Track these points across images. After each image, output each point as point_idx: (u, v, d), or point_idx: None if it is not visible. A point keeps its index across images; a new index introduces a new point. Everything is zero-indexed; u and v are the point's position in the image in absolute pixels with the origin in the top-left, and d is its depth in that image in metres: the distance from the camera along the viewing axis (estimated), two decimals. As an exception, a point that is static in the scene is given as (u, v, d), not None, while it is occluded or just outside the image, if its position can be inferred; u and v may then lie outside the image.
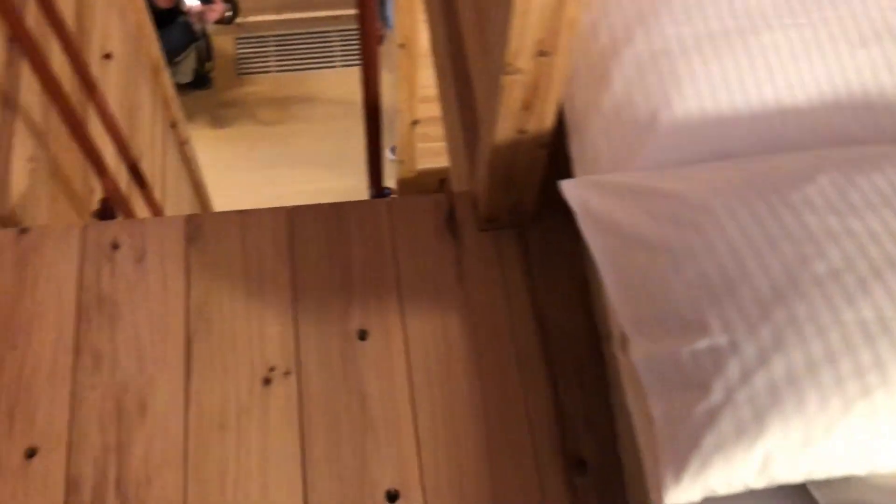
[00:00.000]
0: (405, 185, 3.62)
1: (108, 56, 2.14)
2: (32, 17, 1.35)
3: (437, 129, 3.36)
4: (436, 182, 3.63)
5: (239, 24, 4.57)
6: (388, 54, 4.42)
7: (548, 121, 1.15)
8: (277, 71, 4.54)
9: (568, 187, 1.11)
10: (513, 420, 1.23)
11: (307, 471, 1.19)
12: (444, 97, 1.71)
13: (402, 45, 2.87)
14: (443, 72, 1.67)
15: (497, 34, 1.08)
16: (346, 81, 4.52)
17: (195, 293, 1.29)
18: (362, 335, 1.27)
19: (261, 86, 4.49)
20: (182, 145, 3.16)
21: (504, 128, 1.14)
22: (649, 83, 1.13)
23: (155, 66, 2.80)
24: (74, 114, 1.47)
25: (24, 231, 1.32)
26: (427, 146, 3.39)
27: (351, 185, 4.16)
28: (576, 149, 1.21)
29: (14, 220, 1.39)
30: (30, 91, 1.54)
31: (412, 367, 1.25)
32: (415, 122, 3.28)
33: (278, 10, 4.52)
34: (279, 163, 4.23)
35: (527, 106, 1.11)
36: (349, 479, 1.19)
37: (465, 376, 1.25)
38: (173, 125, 3.05)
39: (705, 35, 1.15)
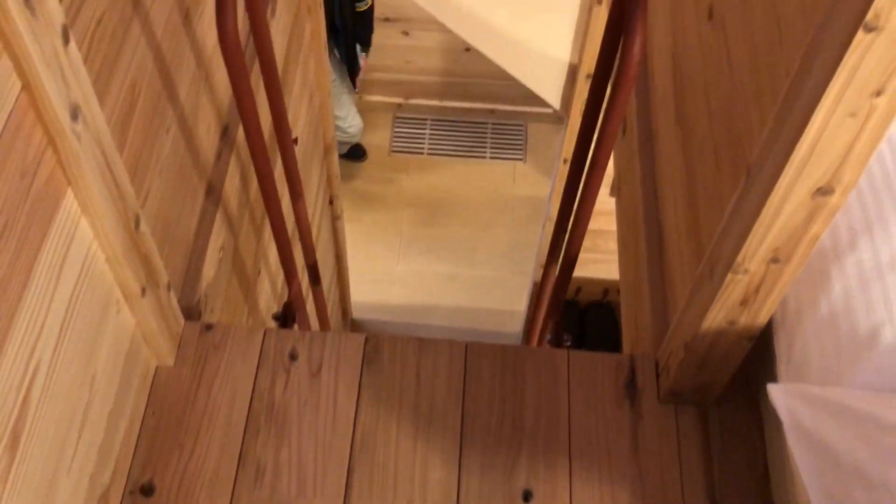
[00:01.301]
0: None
1: (295, 141, 2.22)
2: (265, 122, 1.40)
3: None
4: (573, 290, 3.58)
5: (400, 105, 4.70)
6: (535, 142, 4.46)
7: (762, 317, 1.09)
8: (430, 153, 4.62)
9: (776, 393, 1.05)
10: None
11: None
12: (625, 244, 1.68)
13: (565, 161, 2.87)
14: (629, 220, 1.64)
15: (724, 229, 1.04)
16: (493, 173, 4.57)
17: (363, 419, 1.28)
18: (527, 496, 1.22)
19: (411, 165, 4.59)
20: (335, 220, 3.24)
21: (714, 318, 1.09)
22: (872, 296, 1.06)
23: (328, 146, 2.90)
24: (281, 216, 1.51)
25: (209, 327, 1.34)
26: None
27: (485, 275, 4.17)
28: (783, 346, 1.14)
29: (198, 310, 1.43)
30: (231, 182, 1.60)
31: (572, 539, 1.20)
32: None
33: (440, 97, 4.63)
34: (416, 242, 4.28)
35: (744, 302, 1.06)
36: None
37: (626, 559, 1.19)
38: (331, 201, 3.13)
39: (940, 252, 1.08)
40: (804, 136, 0.83)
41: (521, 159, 4.63)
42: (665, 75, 1.53)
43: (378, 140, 4.64)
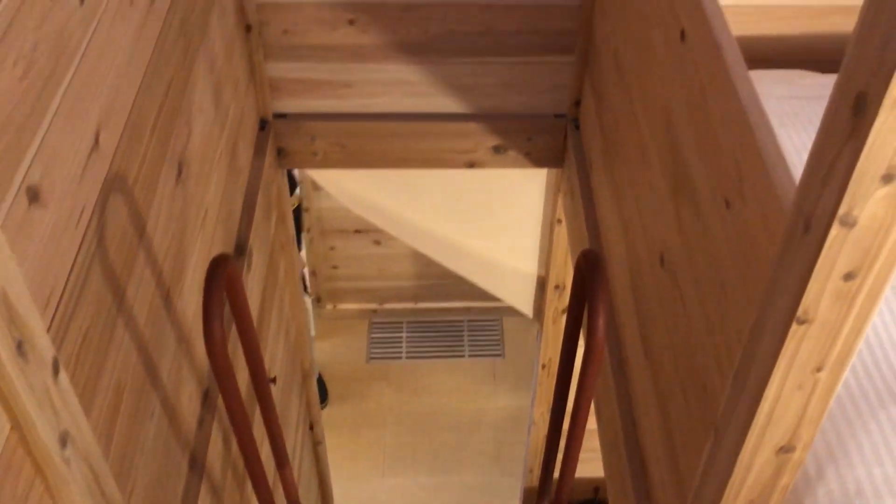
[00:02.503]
0: (530, 493, 3.54)
1: (273, 381, 2.25)
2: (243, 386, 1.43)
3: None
4: (565, 493, 3.53)
5: (375, 311, 4.79)
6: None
7: (750, 562, 1.10)
8: (408, 357, 4.66)
9: None
10: None
11: None
12: (610, 468, 1.69)
13: (543, 367, 2.92)
14: (611, 444, 1.67)
15: (702, 479, 1.07)
16: (473, 373, 4.60)
17: None
18: None
19: (390, 372, 4.61)
20: (316, 446, 3.21)
21: (705, 567, 1.10)
22: (848, 526, 1.09)
23: (306, 372, 2.93)
24: (269, 491, 1.52)
25: None
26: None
27: (474, 481, 4.09)
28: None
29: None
30: (214, 447, 1.61)
31: None
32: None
33: (415, 300, 4.74)
34: (401, 453, 4.23)
35: (731, 549, 1.07)
36: None
37: None
38: (311, 427, 3.12)
39: (898, 477, 1.12)
40: (761, 405, 0.88)
41: (499, 355, 4.68)
42: (628, 305, 1.61)
43: (355, 350, 4.69)
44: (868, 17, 0.64)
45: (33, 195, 0.93)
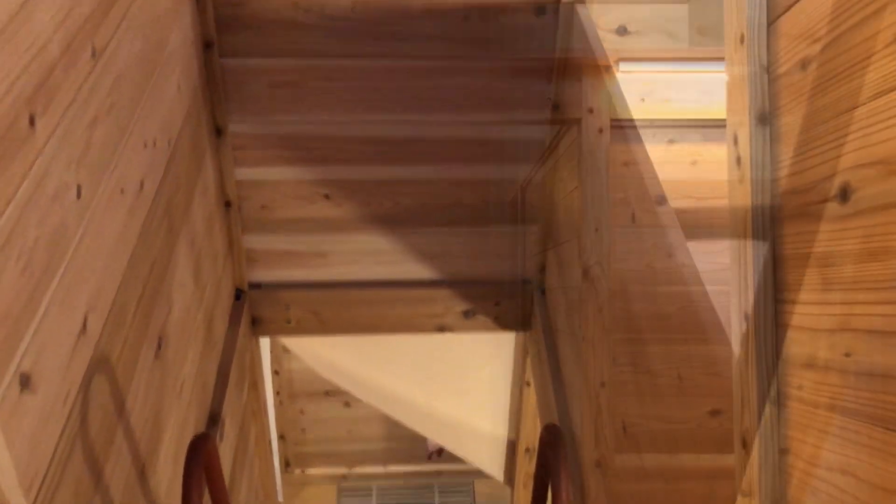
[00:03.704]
0: None
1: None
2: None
3: None
4: None
5: (344, 476, 4.71)
6: None
7: None
8: (378, 524, 4.55)
9: None
10: None
11: None
12: None
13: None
14: None
15: None
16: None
17: None
18: None
19: (361, 539, 4.48)
20: None
21: None
22: None
23: (274, 542, 2.87)
24: None
25: None
26: None
27: None
28: None
29: None
30: None
31: None
32: None
33: (385, 463, 4.67)
34: None
35: None
36: None
37: None
38: None
39: None
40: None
41: (471, 519, 4.58)
42: (595, 472, 1.64)
43: (325, 516, 4.57)
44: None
45: (25, 382, 0.97)
